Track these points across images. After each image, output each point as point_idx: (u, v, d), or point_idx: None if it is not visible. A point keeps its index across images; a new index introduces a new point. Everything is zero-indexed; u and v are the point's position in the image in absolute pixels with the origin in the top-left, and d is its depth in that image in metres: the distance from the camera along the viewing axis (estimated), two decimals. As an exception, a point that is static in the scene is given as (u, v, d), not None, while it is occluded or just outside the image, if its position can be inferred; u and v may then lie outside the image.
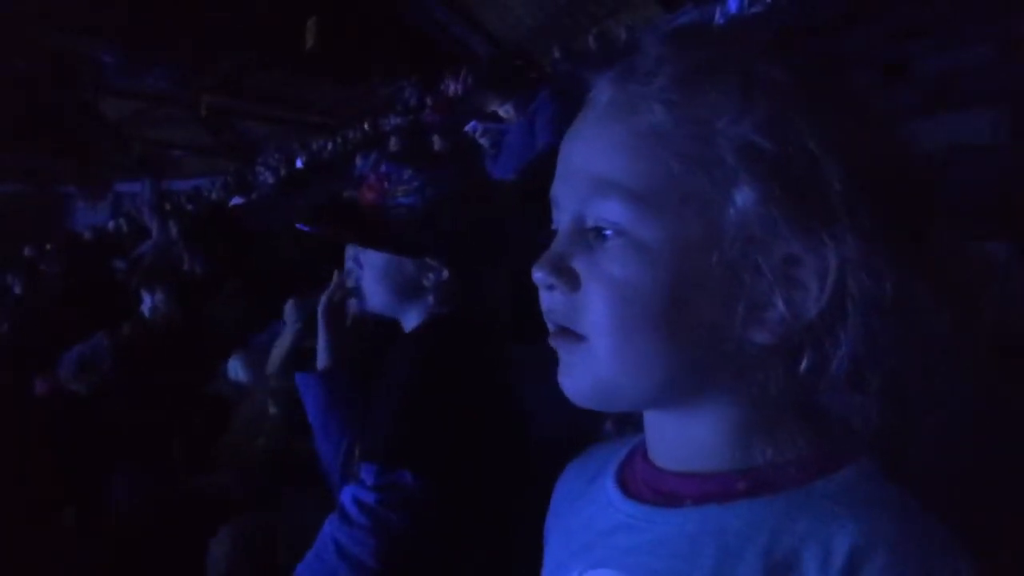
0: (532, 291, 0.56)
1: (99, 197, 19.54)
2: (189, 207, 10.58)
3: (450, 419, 1.10)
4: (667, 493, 0.54)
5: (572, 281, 0.52)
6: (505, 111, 3.67)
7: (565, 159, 0.55)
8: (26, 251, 8.30)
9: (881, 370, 0.48)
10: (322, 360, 1.39)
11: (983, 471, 0.54)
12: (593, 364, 0.52)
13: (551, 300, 0.54)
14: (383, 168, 1.25)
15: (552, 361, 0.56)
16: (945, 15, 3.42)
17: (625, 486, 0.58)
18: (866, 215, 0.47)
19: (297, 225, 1.28)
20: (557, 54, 8.48)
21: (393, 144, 6.38)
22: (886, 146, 0.50)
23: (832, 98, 0.50)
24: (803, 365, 0.49)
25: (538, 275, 0.54)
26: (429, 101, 10.48)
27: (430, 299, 1.22)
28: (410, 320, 1.25)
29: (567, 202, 0.54)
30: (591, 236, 0.52)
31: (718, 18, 6.32)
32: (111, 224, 12.37)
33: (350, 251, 1.34)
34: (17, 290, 5.43)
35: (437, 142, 5.70)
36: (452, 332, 1.21)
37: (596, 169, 0.52)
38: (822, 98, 0.49)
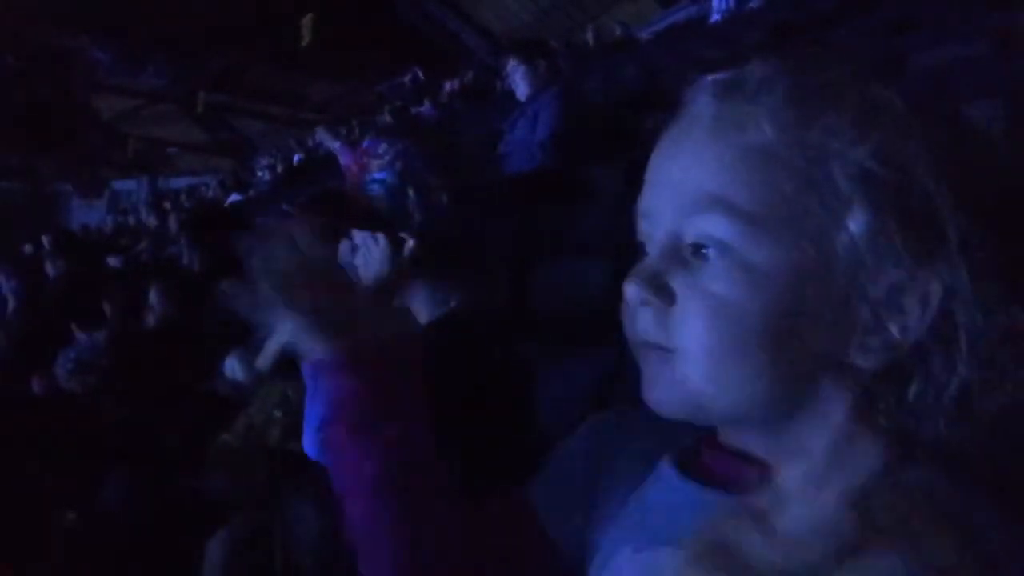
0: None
1: (95, 195, 19.49)
2: (186, 205, 10.56)
3: (451, 417, 1.09)
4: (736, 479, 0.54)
5: (668, 298, 0.51)
6: (520, 75, 3.66)
7: (662, 172, 0.54)
8: (23, 249, 8.27)
9: (989, 400, 0.47)
10: None
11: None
12: (684, 380, 0.51)
13: (643, 316, 0.53)
14: (365, 144, 1.25)
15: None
16: (940, 9, 3.42)
17: (688, 468, 0.58)
18: (977, 246, 0.46)
19: (282, 206, 1.28)
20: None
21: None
22: (998, 177, 0.50)
23: (945, 127, 0.50)
24: (911, 392, 0.48)
25: (631, 291, 0.53)
26: (426, 97, 10.45)
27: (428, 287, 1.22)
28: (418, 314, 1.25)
29: (662, 216, 0.53)
30: (688, 252, 0.51)
31: (713, 14, 6.32)
32: (107, 221, 12.35)
33: (345, 246, 1.34)
34: (12, 288, 5.41)
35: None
36: (456, 330, 1.20)
37: (701, 184, 0.50)
38: (936, 127, 0.49)
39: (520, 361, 1.23)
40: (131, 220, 12.96)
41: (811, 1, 4.68)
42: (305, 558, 1.49)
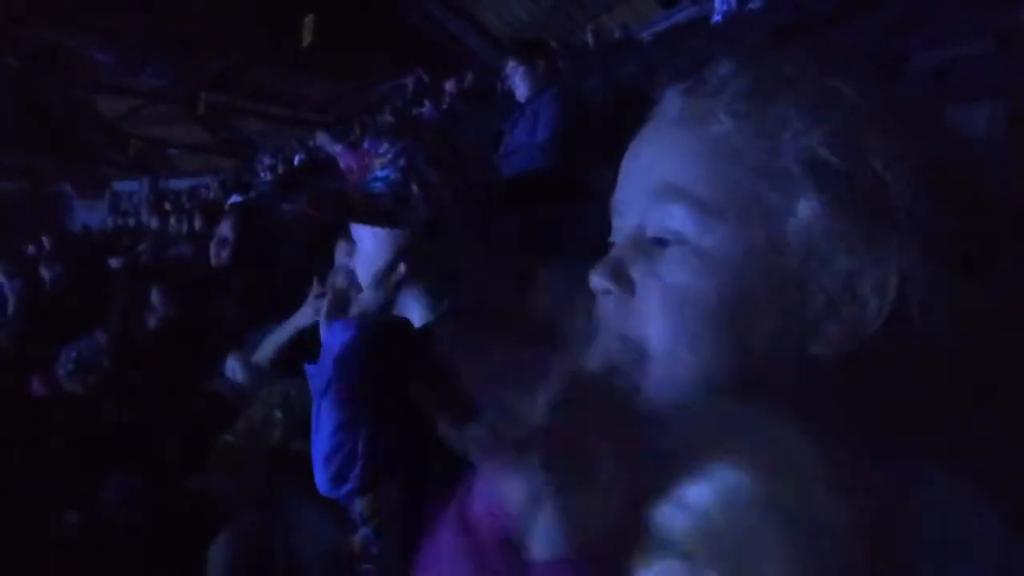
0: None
1: (96, 195, 19.50)
2: (187, 206, 10.56)
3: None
4: None
5: (629, 287, 0.52)
6: (520, 76, 3.67)
7: (630, 167, 0.56)
8: (25, 249, 8.27)
9: (948, 383, 0.48)
10: None
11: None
12: (647, 368, 0.51)
13: (607, 306, 0.54)
14: (367, 144, 1.26)
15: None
16: (940, 9, 3.41)
17: None
18: (930, 232, 0.47)
19: (282, 205, 1.29)
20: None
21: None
22: (951, 165, 0.50)
23: (897, 116, 0.50)
24: (866, 378, 0.48)
25: (595, 281, 0.54)
26: (426, 97, 10.46)
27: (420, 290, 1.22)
28: (413, 314, 1.25)
29: (629, 210, 0.55)
30: (650, 242, 0.52)
31: (715, 15, 6.31)
32: (108, 222, 12.35)
33: (342, 248, 1.34)
34: (13, 288, 5.41)
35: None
36: (454, 331, 1.20)
37: (660, 175, 0.52)
38: (888, 116, 0.50)
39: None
40: (131, 221, 12.97)
41: (812, 1, 4.67)
42: (305, 558, 1.49)
